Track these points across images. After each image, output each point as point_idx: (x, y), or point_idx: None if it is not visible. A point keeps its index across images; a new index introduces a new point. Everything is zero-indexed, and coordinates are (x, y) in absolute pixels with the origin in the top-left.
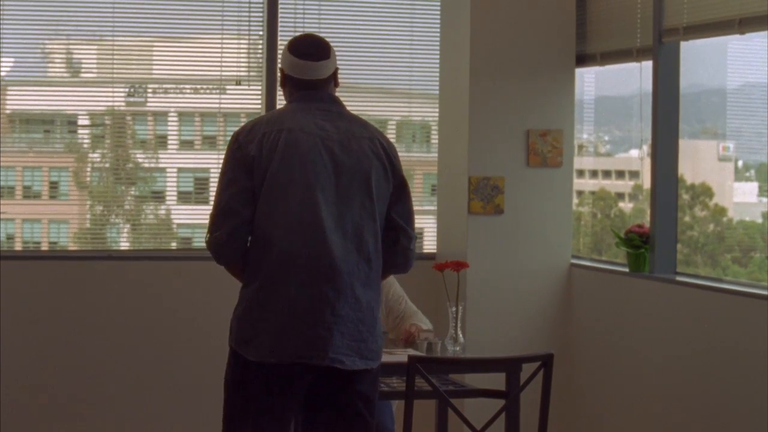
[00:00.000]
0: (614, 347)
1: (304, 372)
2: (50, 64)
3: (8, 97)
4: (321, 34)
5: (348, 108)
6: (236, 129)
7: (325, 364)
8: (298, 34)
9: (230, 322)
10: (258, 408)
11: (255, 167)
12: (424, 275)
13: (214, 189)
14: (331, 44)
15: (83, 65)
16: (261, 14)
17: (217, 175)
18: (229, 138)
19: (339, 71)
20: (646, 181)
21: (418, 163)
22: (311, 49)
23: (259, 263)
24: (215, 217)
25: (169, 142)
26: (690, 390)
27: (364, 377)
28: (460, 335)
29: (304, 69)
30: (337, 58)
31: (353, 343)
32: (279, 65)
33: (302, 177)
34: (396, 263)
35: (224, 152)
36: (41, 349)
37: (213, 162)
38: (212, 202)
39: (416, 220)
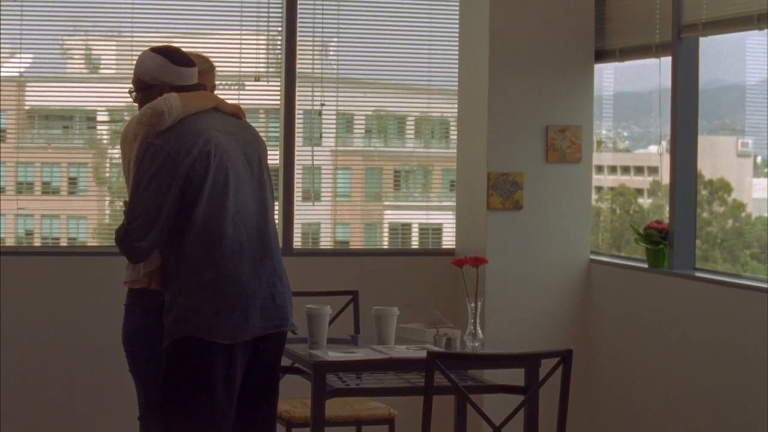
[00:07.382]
0: (633, 343)
1: (247, 344)
2: (69, 61)
3: (27, 93)
4: (340, 30)
5: (367, 104)
6: (156, 138)
7: (287, 329)
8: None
9: (180, 314)
10: (221, 386)
11: (191, 174)
12: (442, 271)
13: None
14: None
15: (102, 61)
16: (280, 10)
17: None
18: None
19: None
20: (665, 177)
21: (437, 159)
22: (185, 57)
23: (210, 255)
24: (142, 224)
25: None
26: (708, 386)
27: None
28: (479, 331)
29: (188, 76)
30: (355, 53)
31: (290, 308)
32: (147, 79)
33: (233, 173)
34: None
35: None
36: (60, 345)
37: None
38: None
39: (435, 216)
